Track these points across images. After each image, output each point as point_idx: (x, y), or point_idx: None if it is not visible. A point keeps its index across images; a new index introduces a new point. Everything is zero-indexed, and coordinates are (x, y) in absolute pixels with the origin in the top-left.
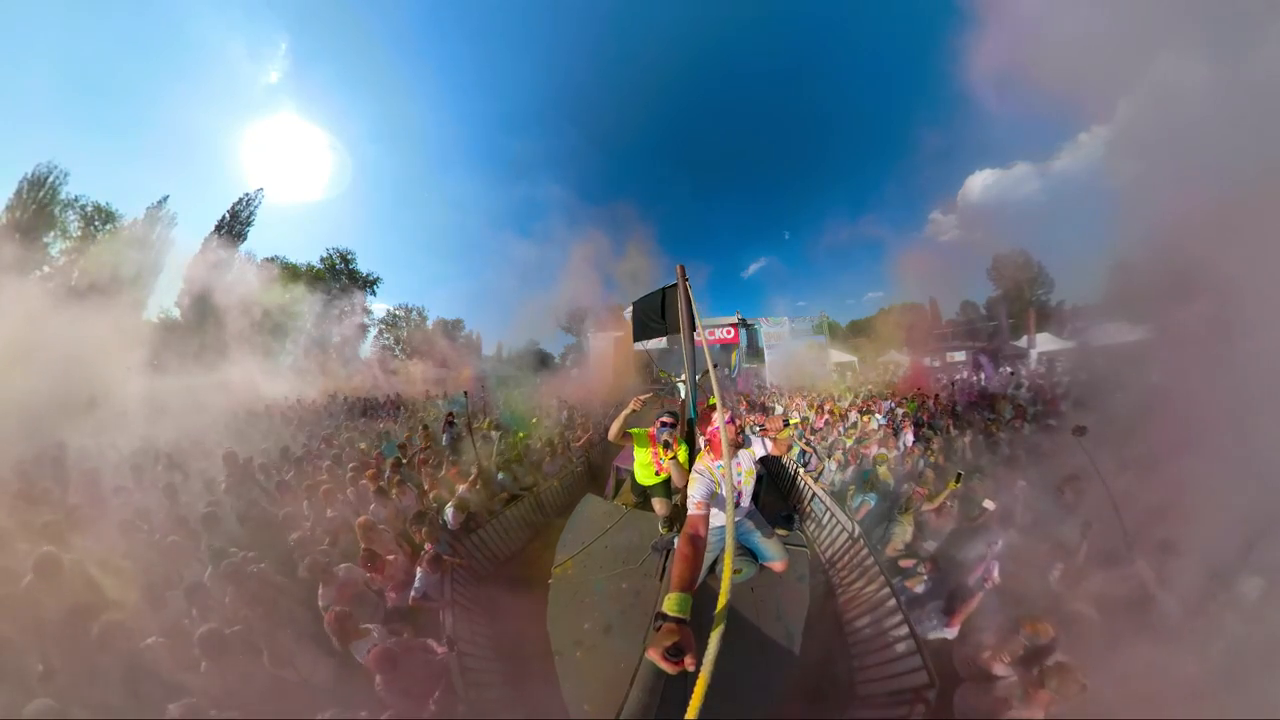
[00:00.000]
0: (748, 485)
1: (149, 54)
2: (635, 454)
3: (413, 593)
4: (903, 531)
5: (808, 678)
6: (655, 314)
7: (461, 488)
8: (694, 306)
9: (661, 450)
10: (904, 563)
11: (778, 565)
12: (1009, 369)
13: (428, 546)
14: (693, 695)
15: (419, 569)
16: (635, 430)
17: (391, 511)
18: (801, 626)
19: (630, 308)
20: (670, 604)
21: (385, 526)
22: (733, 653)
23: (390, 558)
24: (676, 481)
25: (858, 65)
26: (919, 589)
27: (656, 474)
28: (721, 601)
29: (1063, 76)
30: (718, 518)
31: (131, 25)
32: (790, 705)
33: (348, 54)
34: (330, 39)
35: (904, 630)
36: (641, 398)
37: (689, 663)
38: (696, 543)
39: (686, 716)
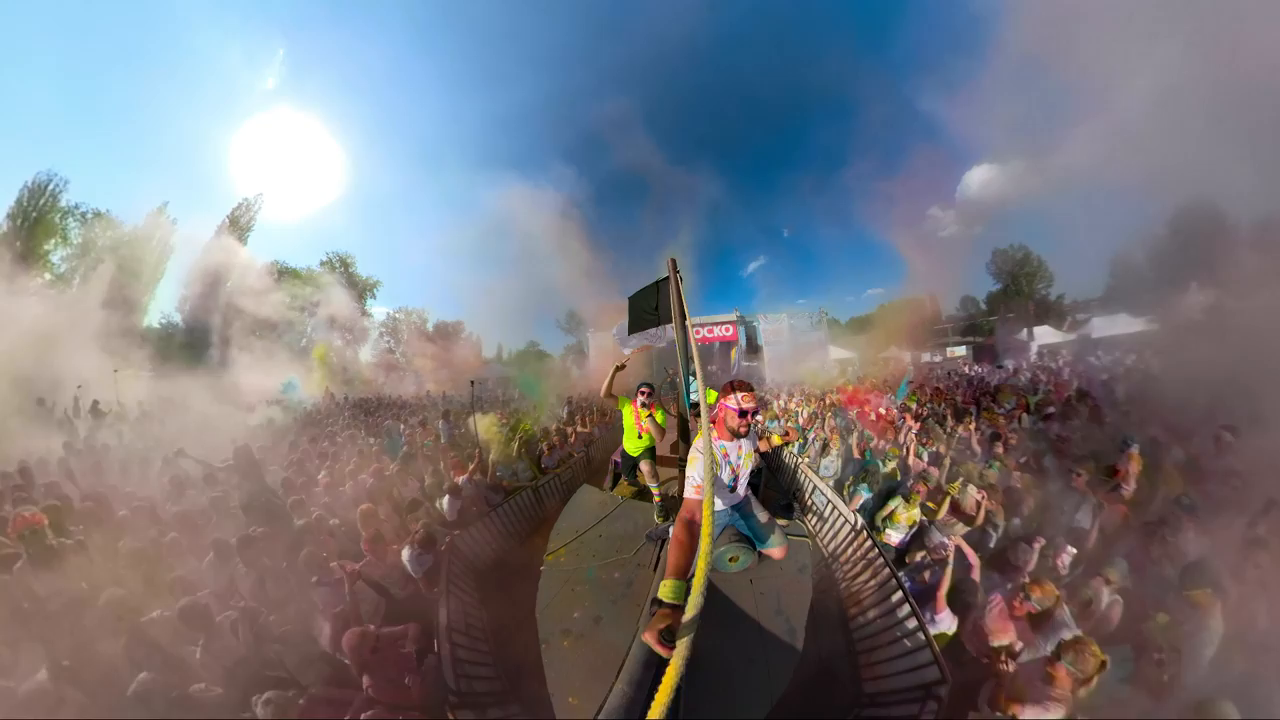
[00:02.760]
0: (746, 469)
1: (147, 61)
2: (624, 422)
3: (409, 569)
4: (900, 508)
5: (811, 675)
6: (649, 306)
7: (461, 478)
8: (683, 297)
9: (640, 411)
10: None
11: (776, 552)
12: (1008, 363)
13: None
14: (658, 693)
15: (408, 546)
16: (621, 397)
17: (390, 504)
18: (804, 621)
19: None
20: (665, 590)
21: (385, 518)
22: (730, 649)
23: (393, 547)
24: (655, 436)
25: (853, 61)
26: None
27: (639, 436)
28: (696, 590)
29: (1062, 71)
30: (717, 502)
31: (129, 32)
32: (793, 704)
33: (345, 58)
34: (327, 44)
35: (912, 624)
36: (624, 361)
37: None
38: (693, 528)
39: (649, 715)
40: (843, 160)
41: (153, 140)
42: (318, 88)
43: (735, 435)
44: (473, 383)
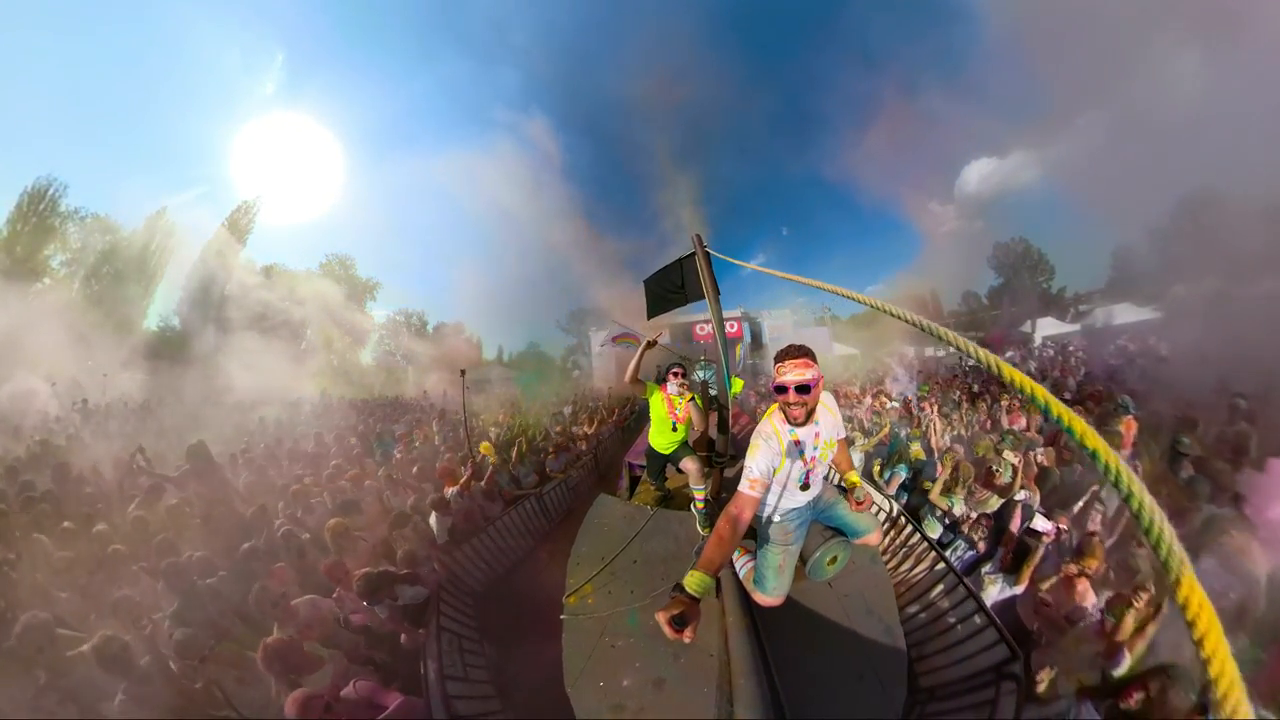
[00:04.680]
0: (825, 461)
1: (146, 66)
2: (651, 413)
3: (378, 611)
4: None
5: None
6: (673, 285)
7: (451, 490)
8: (713, 273)
9: (674, 397)
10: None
11: (873, 538)
12: (1013, 353)
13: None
14: None
15: (359, 584)
16: (649, 384)
17: (373, 514)
18: (897, 614)
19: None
20: (692, 582)
21: (363, 534)
22: (835, 669)
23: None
24: (698, 425)
25: (846, 57)
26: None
27: (674, 428)
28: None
29: (1059, 61)
30: (790, 497)
31: (128, 38)
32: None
33: (344, 63)
34: (326, 49)
35: (970, 605)
36: (655, 336)
37: (689, 635)
38: (738, 527)
39: None
40: (841, 159)
41: (152, 144)
42: (317, 92)
43: (788, 420)
44: (463, 372)
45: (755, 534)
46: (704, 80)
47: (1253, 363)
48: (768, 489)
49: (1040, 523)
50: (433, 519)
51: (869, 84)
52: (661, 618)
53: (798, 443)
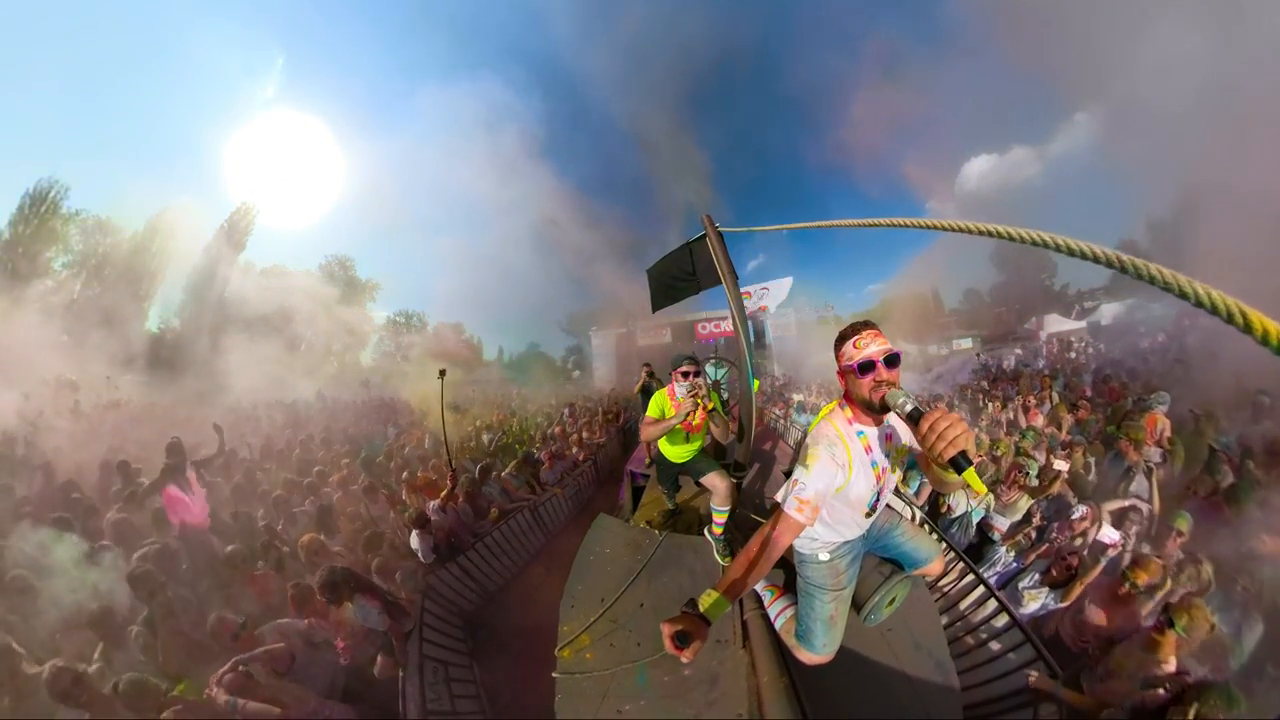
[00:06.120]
0: (895, 474)
1: (148, 71)
2: (665, 415)
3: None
4: (957, 499)
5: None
6: (684, 271)
7: (433, 503)
8: (728, 256)
9: (684, 402)
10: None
11: (935, 566)
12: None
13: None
14: None
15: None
16: (656, 394)
17: (353, 528)
18: (946, 646)
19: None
20: (707, 602)
21: (341, 549)
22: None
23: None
24: (719, 436)
25: (842, 52)
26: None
27: (687, 438)
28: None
29: (1056, 55)
30: (846, 527)
31: (131, 43)
32: None
33: (344, 66)
34: (325, 52)
35: (1003, 620)
36: (696, 404)
37: (687, 655)
38: (773, 553)
39: None
40: (839, 158)
41: (153, 148)
42: (317, 94)
43: (869, 408)
44: (442, 371)
45: (785, 565)
46: (703, 82)
47: (1266, 359)
48: (828, 510)
49: (1108, 533)
50: (413, 538)
51: (866, 80)
52: (666, 629)
53: (868, 450)
